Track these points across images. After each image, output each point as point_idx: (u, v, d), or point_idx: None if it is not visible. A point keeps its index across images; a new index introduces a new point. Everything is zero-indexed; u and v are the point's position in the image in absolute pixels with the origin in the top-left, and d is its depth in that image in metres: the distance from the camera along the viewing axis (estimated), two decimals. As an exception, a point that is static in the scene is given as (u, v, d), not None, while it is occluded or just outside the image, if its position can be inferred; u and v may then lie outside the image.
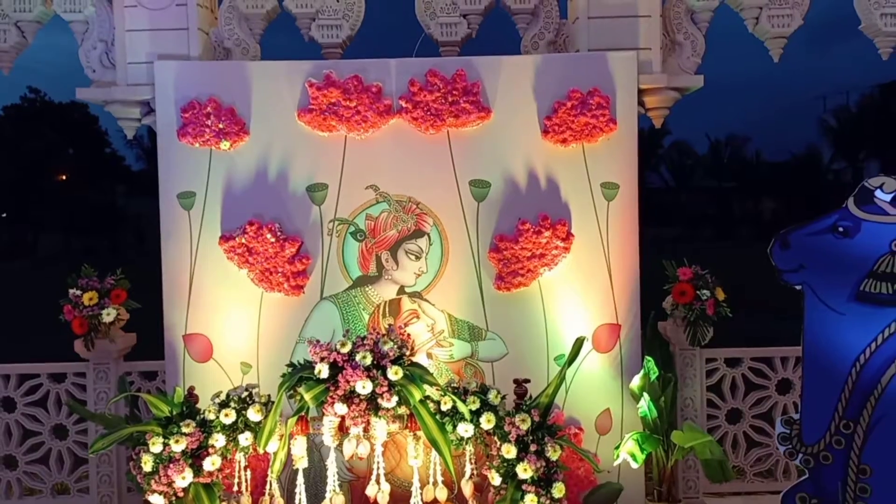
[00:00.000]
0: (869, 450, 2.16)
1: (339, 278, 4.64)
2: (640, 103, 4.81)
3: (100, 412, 4.44)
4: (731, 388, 4.96)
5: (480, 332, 4.64)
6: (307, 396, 3.00)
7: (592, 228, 4.66)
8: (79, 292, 4.55)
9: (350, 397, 3.00)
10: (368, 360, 3.02)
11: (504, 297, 4.62)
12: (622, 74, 4.65)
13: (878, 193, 2.64)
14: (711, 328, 4.65)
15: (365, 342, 3.10)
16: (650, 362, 4.49)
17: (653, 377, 4.47)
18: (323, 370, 3.02)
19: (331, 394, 3.01)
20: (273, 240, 4.54)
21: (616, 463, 4.44)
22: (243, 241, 4.54)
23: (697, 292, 4.60)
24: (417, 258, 4.65)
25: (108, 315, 4.57)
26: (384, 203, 4.64)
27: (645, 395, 4.43)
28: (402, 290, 4.65)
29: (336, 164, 4.63)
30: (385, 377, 3.00)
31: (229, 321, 4.59)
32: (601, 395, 4.65)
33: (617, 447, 4.41)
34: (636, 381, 4.48)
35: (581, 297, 4.65)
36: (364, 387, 2.97)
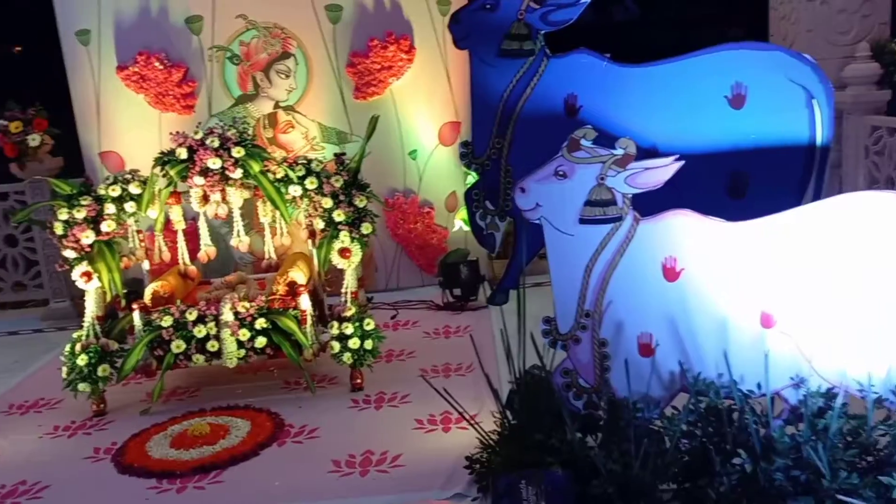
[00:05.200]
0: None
1: (223, 97, 5.55)
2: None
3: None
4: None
5: (346, 136, 5.63)
6: (172, 172, 3.99)
7: (432, 42, 5.52)
8: (5, 122, 5.44)
9: (205, 172, 3.99)
10: (216, 143, 3.98)
11: (363, 104, 5.56)
12: None
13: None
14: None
15: (213, 130, 4.07)
16: (477, 148, 5.51)
17: (483, 160, 5.51)
18: (182, 153, 3.99)
19: (190, 170, 4.00)
20: (161, 67, 5.39)
21: (453, 229, 5.60)
22: (136, 69, 5.39)
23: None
24: (287, 76, 5.53)
25: (34, 140, 5.48)
26: (253, 30, 5.46)
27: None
28: (277, 105, 5.57)
29: (207, -3, 5.41)
30: (230, 155, 3.98)
31: (136, 139, 5.53)
32: (447, 180, 5.71)
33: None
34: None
35: (426, 101, 5.60)
36: (214, 163, 3.96)
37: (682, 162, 2.65)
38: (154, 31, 5.40)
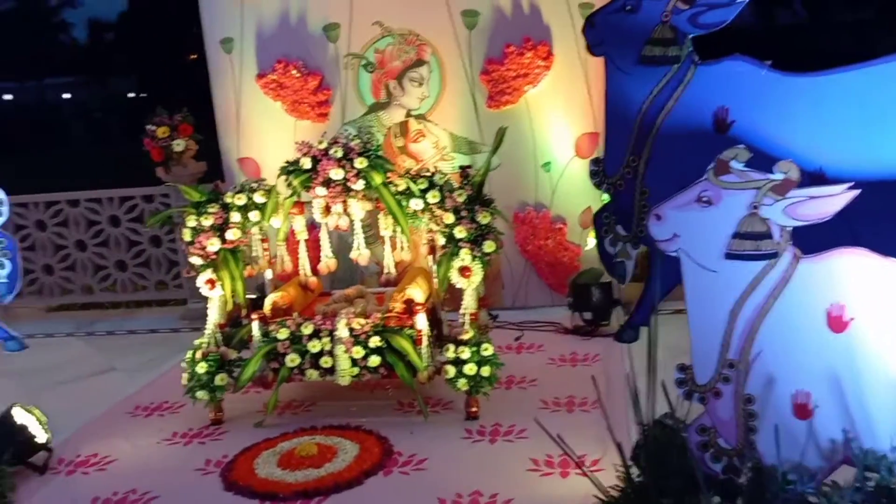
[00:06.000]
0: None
1: (356, 106, 5.49)
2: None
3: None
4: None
5: (477, 146, 5.42)
6: (295, 182, 3.93)
7: (571, 47, 5.19)
8: (153, 127, 5.66)
9: (328, 183, 3.90)
10: (339, 154, 3.87)
11: (495, 113, 5.32)
12: None
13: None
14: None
15: (338, 141, 3.97)
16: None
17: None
18: (306, 163, 3.92)
19: (313, 180, 3.93)
20: (298, 75, 5.42)
21: (587, 248, 5.24)
22: (274, 77, 5.45)
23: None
24: (420, 84, 5.40)
25: (178, 145, 5.67)
26: (389, 37, 5.37)
27: (611, 190, 5.10)
28: (409, 114, 5.45)
29: (346, 5, 5.36)
30: (353, 166, 3.87)
31: (272, 145, 5.59)
32: (583, 195, 5.34)
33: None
34: (606, 179, 5.15)
35: (563, 111, 5.28)
36: (336, 173, 3.85)
37: (857, 191, 2.20)
38: (293, 39, 5.44)
